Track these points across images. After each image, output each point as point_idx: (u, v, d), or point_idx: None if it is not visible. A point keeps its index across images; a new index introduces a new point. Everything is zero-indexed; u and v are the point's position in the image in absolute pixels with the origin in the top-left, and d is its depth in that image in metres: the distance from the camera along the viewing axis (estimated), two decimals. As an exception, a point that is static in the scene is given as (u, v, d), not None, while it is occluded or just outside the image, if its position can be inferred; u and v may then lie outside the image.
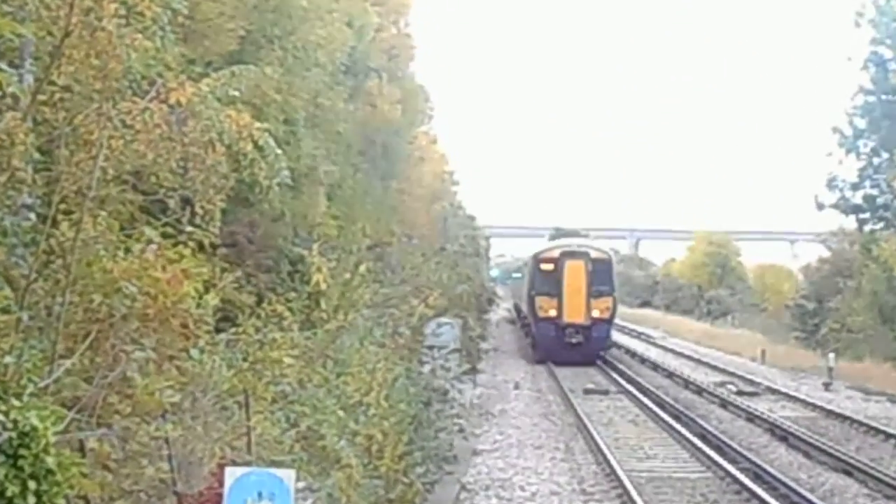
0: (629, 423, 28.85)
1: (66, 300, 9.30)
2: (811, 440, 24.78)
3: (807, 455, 23.66)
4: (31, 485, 7.12)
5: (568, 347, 42.90)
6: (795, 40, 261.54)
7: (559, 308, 43.39)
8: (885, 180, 48.43)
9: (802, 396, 34.47)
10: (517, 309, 56.59)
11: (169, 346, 10.32)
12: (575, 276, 43.23)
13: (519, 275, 57.35)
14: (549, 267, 44.32)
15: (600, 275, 43.67)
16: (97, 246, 9.75)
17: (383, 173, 30.64)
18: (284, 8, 19.66)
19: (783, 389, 36.60)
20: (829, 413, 30.67)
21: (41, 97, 9.72)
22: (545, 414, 30.35)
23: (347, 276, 19.17)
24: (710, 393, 35.22)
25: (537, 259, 46.43)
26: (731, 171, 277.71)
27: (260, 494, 8.38)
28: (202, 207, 11.15)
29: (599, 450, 23.16)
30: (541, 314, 44.07)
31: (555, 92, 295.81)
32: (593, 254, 44.89)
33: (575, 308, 43.04)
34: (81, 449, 8.72)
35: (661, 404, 31.24)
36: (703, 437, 24.95)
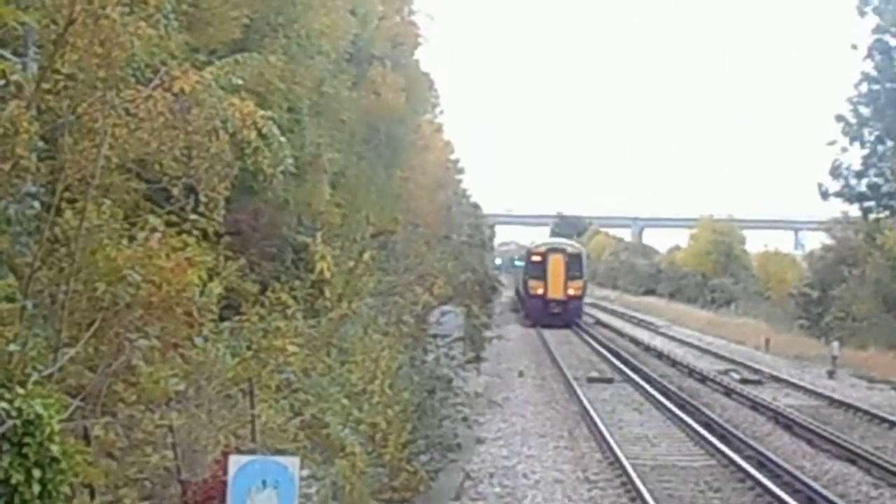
0: (633, 411, 28.86)
1: (70, 288, 9.30)
2: (815, 428, 24.76)
3: (811, 443, 23.65)
4: (36, 472, 7.13)
5: (551, 315, 58.03)
6: (799, 28, 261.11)
7: (545, 287, 59.50)
8: (889, 168, 48.31)
9: (806, 385, 34.46)
10: (517, 292, 70.91)
11: (173, 335, 10.33)
12: (556, 265, 59.58)
13: (521, 263, 70.73)
14: (538, 258, 60.78)
15: (574, 264, 60.20)
16: (101, 234, 9.74)
17: (387, 161, 30.58)
18: (288, -4, 19.63)
19: (787, 378, 36.58)
20: (833, 401, 30.65)
21: (45, 85, 9.72)
22: (549, 402, 30.36)
23: (351, 264, 19.18)
24: (714, 381, 35.21)
25: (529, 253, 63.97)
26: (735, 159, 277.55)
27: (264, 482, 8.39)
28: (206, 196, 11.16)
29: (603, 438, 23.17)
30: (532, 292, 60.37)
31: (560, 80, 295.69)
32: (569, 249, 62.30)
33: (556, 287, 59.22)
34: (86, 437, 8.73)
35: (665, 392, 31.24)
36: (706, 426, 24.95)
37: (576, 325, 57.87)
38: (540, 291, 59.55)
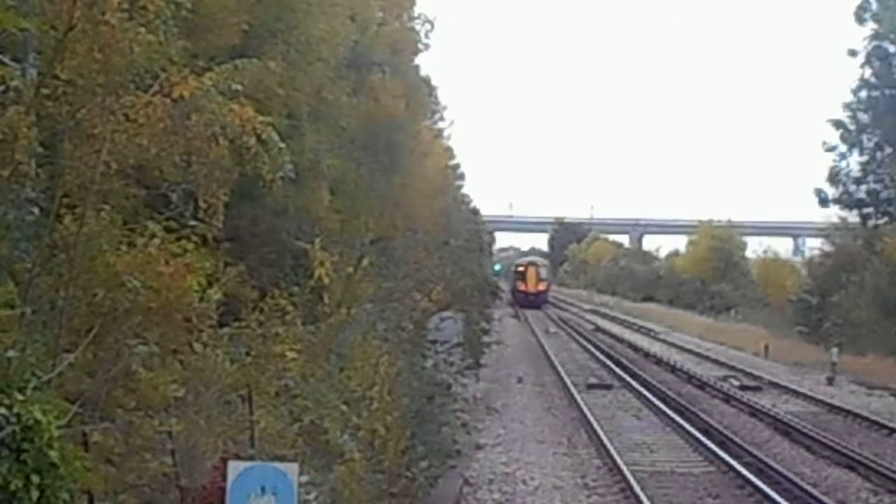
0: (632, 417, 28.86)
1: (69, 294, 9.29)
2: (814, 435, 24.76)
3: (810, 450, 23.65)
4: (35, 479, 7.12)
5: (529, 301, 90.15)
6: (798, 33, 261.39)
7: (525, 285, 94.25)
8: (888, 175, 48.25)
9: (805, 391, 34.44)
10: (511, 290, 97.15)
11: (172, 341, 10.32)
12: (531, 272, 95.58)
13: (514, 269, 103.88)
14: (522, 269, 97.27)
15: (542, 272, 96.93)
16: (100, 240, 9.73)
17: (386, 168, 30.50)
18: (288, 2, 19.61)
19: (786, 384, 36.57)
20: (832, 408, 30.65)
21: (44, 91, 9.71)
22: (548, 408, 30.36)
23: (350, 270, 19.16)
24: (713, 387, 35.21)
25: (516, 265, 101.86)
26: (734, 164, 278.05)
27: (263, 489, 8.39)
28: (205, 202, 11.16)
29: (602, 444, 23.16)
30: (518, 288, 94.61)
31: (559, 86, 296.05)
32: (539, 263, 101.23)
33: (532, 284, 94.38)
34: (85, 443, 8.72)
35: (664, 399, 31.23)
36: (705, 432, 24.95)
37: (545, 305, 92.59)
38: (523, 288, 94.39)
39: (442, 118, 53.24)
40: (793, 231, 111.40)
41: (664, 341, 57.34)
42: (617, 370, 39.68)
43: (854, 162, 49.67)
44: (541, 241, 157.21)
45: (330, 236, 20.83)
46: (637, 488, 18.51)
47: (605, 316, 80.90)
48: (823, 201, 50.74)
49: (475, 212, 71.39)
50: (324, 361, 15.17)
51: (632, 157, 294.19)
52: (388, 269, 25.93)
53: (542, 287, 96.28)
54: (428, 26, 33.04)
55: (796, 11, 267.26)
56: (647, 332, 63.81)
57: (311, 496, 10.86)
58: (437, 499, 16.61)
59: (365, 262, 20.05)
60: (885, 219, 48.80)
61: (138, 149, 10.16)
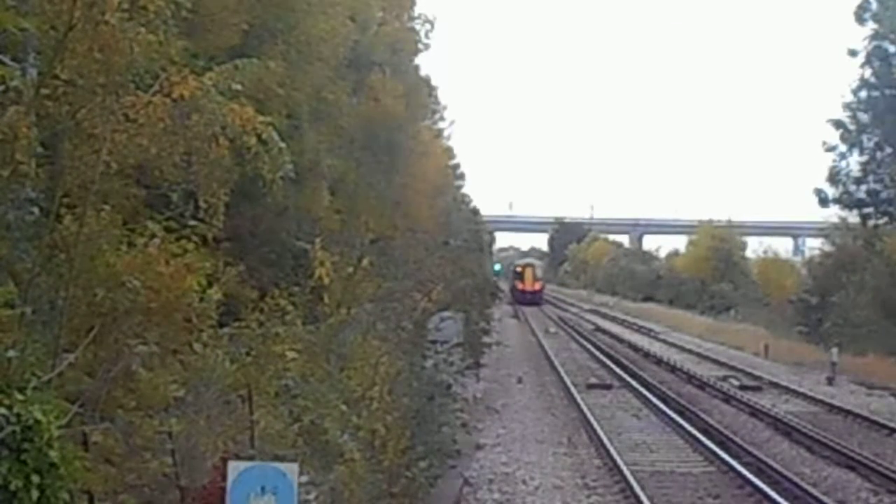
0: (632, 417, 28.85)
1: (69, 294, 9.29)
2: (814, 435, 24.75)
3: (810, 450, 23.64)
4: (35, 479, 7.13)
5: (526, 299, 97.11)
6: (799, 33, 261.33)
7: (523, 284, 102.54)
8: (888, 175, 48.24)
9: (805, 391, 34.43)
10: (511, 288, 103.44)
11: (172, 341, 10.33)
12: (528, 272, 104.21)
13: (513, 269, 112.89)
14: (520, 269, 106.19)
15: (538, 272, 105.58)
16: (100, 240, 9.74)
17: (386, 168, 30.49)
18: (288, 2, 19.62)
19: (786, 384, 36.56)
20: (832, 408, 30.64)
21: (44, 91, 9.71)
22: (548, 408, 30.35)
23: (350, 270, 19.16)
24: (713, 387, 35.20)
25: (514, 266, 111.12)
26: (734, 163, 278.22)
27: (263, 488, 8.39)
28: (205, 201, 11.16)
29: (602, 444, 23.15)
30: (517, 286, 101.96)
31: (559, 86, 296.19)
32: (535, 264, 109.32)
33: (529, 283, 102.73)
34: (85, 443, 8.73)
35: (664, 399, 31.22)
36: (705, 432, 24.94)
37: (540, 302, 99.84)
38: (521, 286, 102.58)
39: (442, 118, 53.29)
40: (793, 231, 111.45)
41: (664, 341, 57.31)
42: (617, 370, 39.67)
43: (854, 162, 49.70)
44: (541, 241, 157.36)
45: (330, 236, 20.83)
46: (637, 488, 18.50)
47: (605, 316, 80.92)
48: (823, 201, 50.75)
49: (475, 212, 71.31)
50: (324, 361, 15.17)
51: (632, 157, 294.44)
52: (388, 269, 25.91)
53: (538, 286, 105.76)
54: (428, 26, 33.05)
55: (796, 11, 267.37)
56: (647, 332, 63.78)
57: (311, 496, 10.86)
58: (437, 499, 16.61)
59: (365, 262, 20.05)
60: (885, 219, 48.81)
61: (138, 149, 10.16)
